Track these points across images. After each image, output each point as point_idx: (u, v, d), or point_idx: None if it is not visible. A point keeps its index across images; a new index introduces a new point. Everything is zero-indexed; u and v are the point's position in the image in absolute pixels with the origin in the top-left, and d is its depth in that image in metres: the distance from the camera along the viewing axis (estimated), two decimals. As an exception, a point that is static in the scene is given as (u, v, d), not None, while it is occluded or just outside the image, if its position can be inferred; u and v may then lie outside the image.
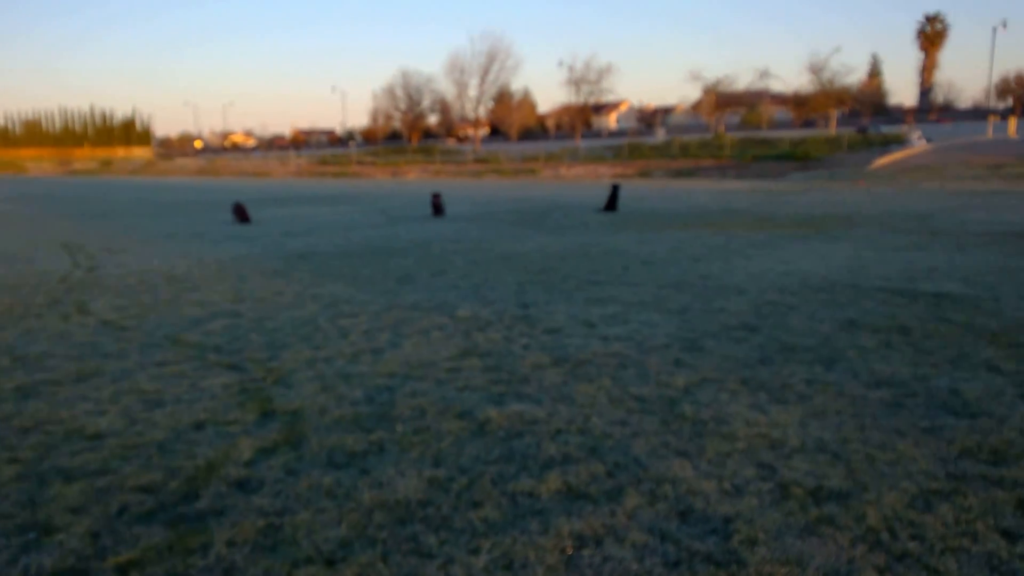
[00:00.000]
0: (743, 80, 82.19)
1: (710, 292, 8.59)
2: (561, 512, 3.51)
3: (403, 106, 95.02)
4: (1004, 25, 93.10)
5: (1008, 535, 3.27)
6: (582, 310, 7.77)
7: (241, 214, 19.20)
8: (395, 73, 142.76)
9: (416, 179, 51.40)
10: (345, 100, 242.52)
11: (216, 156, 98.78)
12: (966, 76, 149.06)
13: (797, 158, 44.92)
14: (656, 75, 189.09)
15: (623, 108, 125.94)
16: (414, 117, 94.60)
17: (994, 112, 77.10)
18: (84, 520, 3.55)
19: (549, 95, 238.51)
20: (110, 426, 4.74)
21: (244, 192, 22.92)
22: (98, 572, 3.12)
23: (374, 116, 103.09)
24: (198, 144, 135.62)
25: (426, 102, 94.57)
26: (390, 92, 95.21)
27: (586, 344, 6.42)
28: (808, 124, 78.48)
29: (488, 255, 12.12)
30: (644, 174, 45.56)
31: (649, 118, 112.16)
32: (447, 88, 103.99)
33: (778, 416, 4.68)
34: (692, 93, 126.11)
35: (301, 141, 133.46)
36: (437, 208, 20.21)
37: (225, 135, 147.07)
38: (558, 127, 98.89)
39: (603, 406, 4.90)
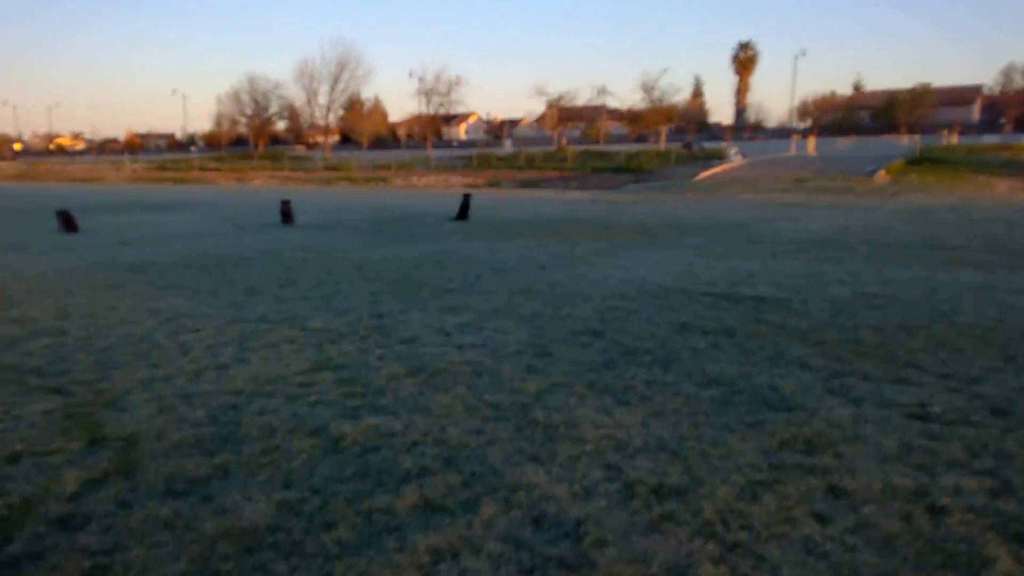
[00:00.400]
0: (583, 96, 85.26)
1: (558, 299, 8.75)
2: (418, 527, 3.42)
3: (249, 111, 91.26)
4: (804, 54, 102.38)
5: (821, 519, 3.51)
6: (437, 318, 7.70)
7: (68, 222, 17.59)
8: (241, 77, 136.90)
9: (263, 186, 49.36)
10: (187, 104, 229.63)
11: (39, 160, 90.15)
12: (774, 98, 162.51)
13: (632, 170, 47.05)
14: (503, 88, 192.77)
15: (472, 119, 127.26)
16: (261, 123, 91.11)
17: (796, 131, 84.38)
18: None
19: (400, 105, 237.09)
20: None
21: (72, 198, 21.02)
22: None
23: (218, 121, 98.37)
24: (17, 147, 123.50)
25: (274, 108, 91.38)
26: (235, 97, 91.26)
27: (442, 353, 6.35)
28: (641, 139, 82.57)
29: (340, 264, 11.79)
30: (493, 184, 46.11)
31: (497, 130, 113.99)
32: (296, 94, 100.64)
33: (622, 417, 4.81)
34: (537, 107, 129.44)
35: (137, 145, 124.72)
36: (286, 216, 19.47)
37: (50, 138, 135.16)
38: (409, 136, 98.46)
39: (459, 415, 4.85)
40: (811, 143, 59.37)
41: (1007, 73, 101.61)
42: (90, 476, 3.96)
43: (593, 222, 19.40)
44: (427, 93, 76.07)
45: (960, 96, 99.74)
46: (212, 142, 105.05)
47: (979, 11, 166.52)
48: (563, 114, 76.16)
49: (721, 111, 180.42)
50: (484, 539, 3.32)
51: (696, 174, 42.24)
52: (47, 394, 5.31)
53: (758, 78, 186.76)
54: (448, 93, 76.61)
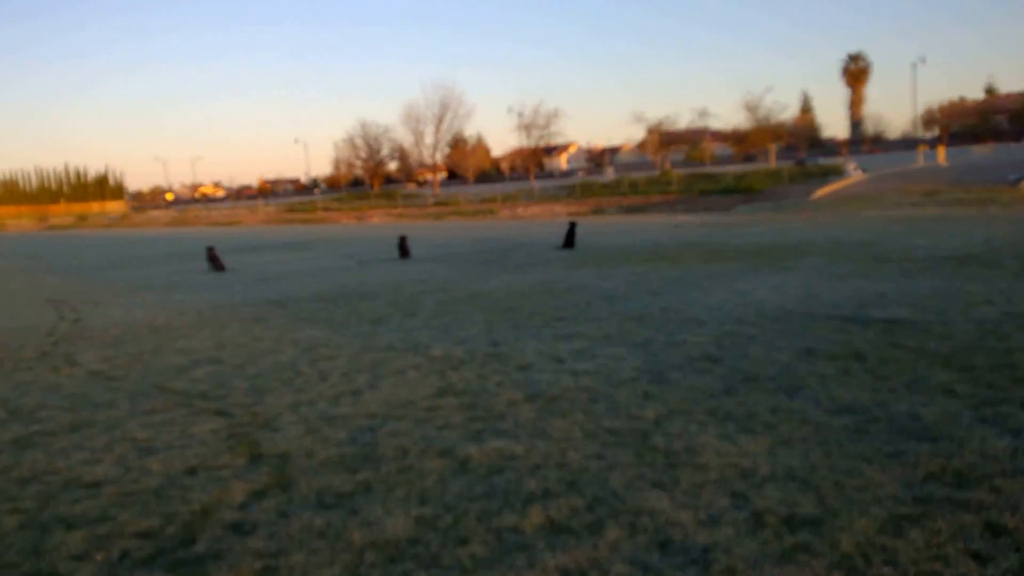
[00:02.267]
0: (684, 119, 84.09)
1: (671, 325, 8.63)
2: (546, 546, 3.49)
3: (364, 154, 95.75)
4: (923, 60, 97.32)
5: (978, 558, 3.24)
6: (550, 346, 7.77)
7: (216, 262, 18.97)
8: (354, 124, 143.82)
9: (380, 223, 51.07)
10: (307, 150, 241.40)
11: (187, 207, 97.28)
12: (894, 108, 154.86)
13: (742, 191, 45.77)
14: (601, 117, 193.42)
15: (572, 149, 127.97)
16: (375, 164, 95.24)
17: (923, 141, 79.88)
18: (87, 567, 3.52)
19: (502, 140, 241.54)
20: (106, 474, 4.70)
21: (216, 240, 22.52)
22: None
23: (336, 164, 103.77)
24: (169, 196, 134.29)
25: (385, 150, 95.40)
26: (350, 142, 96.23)
27: (557, 379, 6.41)
28: (749, 158, 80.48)
29: (456, 295, 12.06)
30: (597, 211, 45.94)
31: (598, 158, 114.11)
32: (404, 136, 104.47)
33: (747, 445, 4.69)
34: (636, 133, 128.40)
35: (268, 190, 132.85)
36: (404, 250, 20.00)
37: (195, 187, 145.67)
38: (512, 169, 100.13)
39: (578, 440, 4.89)
40: (941, 153, 55.89)
41: None
42: (254, 488, 4.32)
43: (704, 245, 18.99)
44: (527, 127, 77.18)
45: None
46: (333, 184, 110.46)
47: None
48: (664, 138, 75.38)
49: (834, 126, 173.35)
50: (611, 561, 3.34)
51: (812, 192, 40.53)
52: (212, 415, 5.82)
53: (872, 89, 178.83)
54: (547, 126, 77.46)
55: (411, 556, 3.44)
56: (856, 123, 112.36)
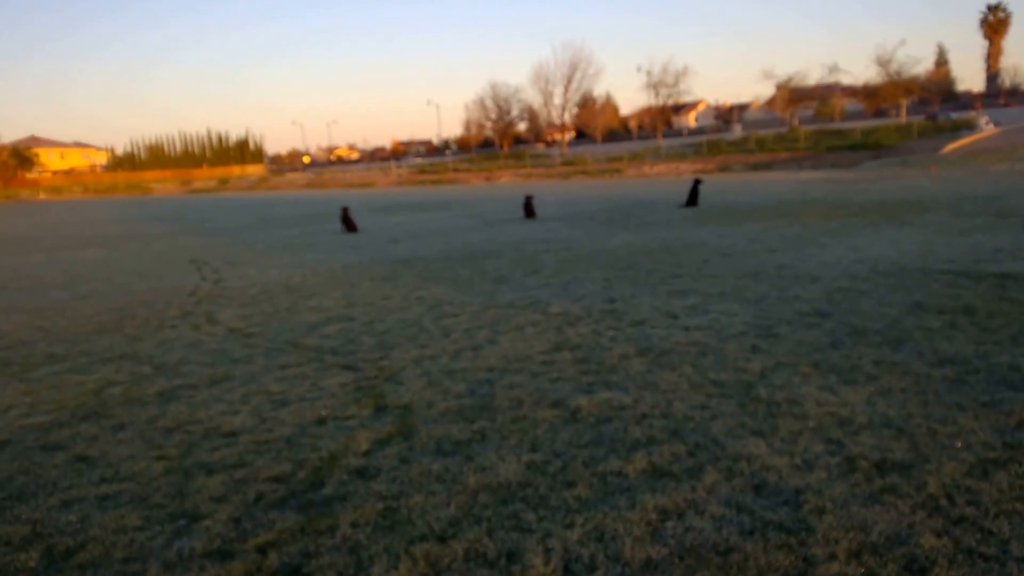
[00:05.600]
0: (814, 75, 79.02)
1: (785, 281, 8.47)
2: (647, 489, 3.62)
3: (493, 115, 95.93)
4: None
5: (1065, 502, 3.22)
6: (665, 302, 7.79)
7: (349, 223, 19.33)
8: (484, 85, 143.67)
9: (509, 183, 51.39)
10: (439, 112, 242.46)
11: (323, 169, 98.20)
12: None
13: (869, 147, 43.16)
14: (730, 74, 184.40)
15: (701, 107, 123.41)
16: (504, 125, 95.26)
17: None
18: (226, 508, 3.73)
19: (630, 98, 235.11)
20: (243, 424, 4.92)
21: (350, 202, 22.90)
22: (241, 553, 3.29)
23: (467, 126, 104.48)
24: (306, 159, 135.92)
25: (514, 111, 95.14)
26: (480, 103, 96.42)
27: (669, 334, 6.46)
28: (879, 114, 75.11)
29: (577, 253, 12.14)
30: (724, 169, 44.54)
31: (726, 115, 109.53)
32: (534, 97, 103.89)
33: (847, 396, 4.68)
34: (766, 90, 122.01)
35: (401, 152, 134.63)
36: (529, 210, 20.09)
37: (330, 150, 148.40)
38: (640, 128, 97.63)
39: (684, 392, 4.97)
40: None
41: None
42: (378, 437, 4.56)
43: (826, 202, 18.13)
44: (655, 85, 75.15)
45: None
46: (463, 145, 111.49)
47: None
48: (794, 95, 71.33)
49: (971, 79, 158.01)
50: (707, 502, 3.46)
51: (942, 147, 37.71)
52: (341, 370, 6.10)
53: (1011, 41, 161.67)
54: (676, 84, 75.10)
55: (521, 498, 3.61)
56: (992, 76, 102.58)
